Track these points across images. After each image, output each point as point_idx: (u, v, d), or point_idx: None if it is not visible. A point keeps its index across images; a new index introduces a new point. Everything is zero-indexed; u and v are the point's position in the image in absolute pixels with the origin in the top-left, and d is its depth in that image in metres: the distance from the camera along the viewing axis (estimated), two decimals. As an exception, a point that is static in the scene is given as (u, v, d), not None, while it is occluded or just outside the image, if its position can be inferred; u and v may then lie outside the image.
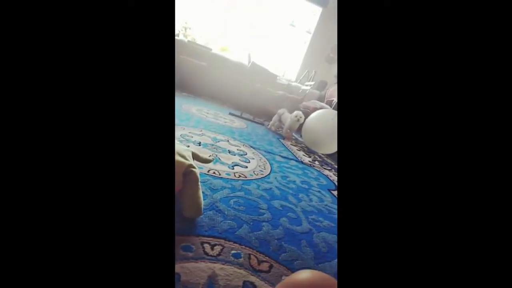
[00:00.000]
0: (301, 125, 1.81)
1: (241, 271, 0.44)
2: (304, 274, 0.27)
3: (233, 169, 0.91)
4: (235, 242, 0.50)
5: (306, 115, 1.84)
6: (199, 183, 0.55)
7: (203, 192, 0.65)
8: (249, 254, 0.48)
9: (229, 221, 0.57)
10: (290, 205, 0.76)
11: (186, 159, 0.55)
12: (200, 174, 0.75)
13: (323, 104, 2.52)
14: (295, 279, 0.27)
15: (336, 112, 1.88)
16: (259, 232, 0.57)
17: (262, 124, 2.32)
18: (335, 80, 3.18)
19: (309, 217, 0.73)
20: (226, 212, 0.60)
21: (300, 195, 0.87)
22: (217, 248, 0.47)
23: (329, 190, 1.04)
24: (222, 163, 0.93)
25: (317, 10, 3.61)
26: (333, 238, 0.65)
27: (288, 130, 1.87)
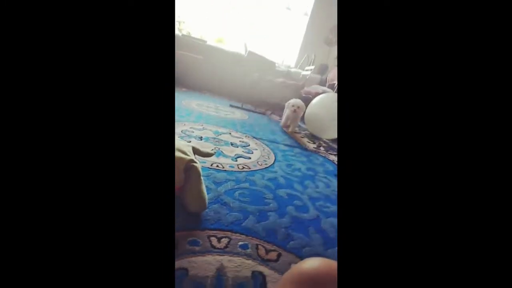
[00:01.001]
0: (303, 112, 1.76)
1: (249, 261, 0.44)
2: (310, 262, 0.26)
3: (236, 161, 0.90)
4: (242, 234, 0.50)
5: (308, 101, 1.80)
6: (202, 177, 0.55)
7: (207, 186, 0.65)
8: (257, 245, 0.48)
9: (235, 213, 0.57)
10: (296, 193, 0.76)
11: (187, 154, 0.55)
12: (203, 169, 0.76)
13: (325, 88, 2.47)
14: (301, 268, 0.26)
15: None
16: (266, 222, 0.57)
17: (263, 114, 2.30)
18: (335, 62, 3.09)
19: (316, 203, 0.72)
20: (231, 205, 0.60)
21: (306, 182, 0.86)
22: (224, 241, 0.47)
23: (335, 175, 1.03)
24: (225, 156, 0.93)
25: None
26: (341, 223, 0.65)
27: (289, 123, 1.72)
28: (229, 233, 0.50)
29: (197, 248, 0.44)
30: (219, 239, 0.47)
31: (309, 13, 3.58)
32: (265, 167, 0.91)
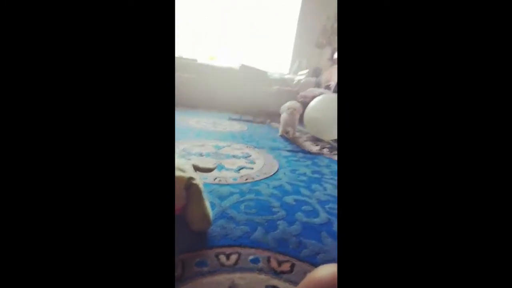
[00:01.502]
0: (302, 116, 1.75)
1: (262, 276, 0.42)
2: (324, 269, 0.25)
3: (239, 173, 0.89)
4: (251, 247, 0.48)
5: (306, 104, 1.80)
6: (204, 194, 0.53)
7: (211, 202, 0.64)
8: (268, 257, 0.46)
9: (242, 227, 0.55)
10: (304, 198, 0.74)
11: (187, 172, 0.54)
12: (205, 185, 0.74)
13: (322, 90, 2.47)
14: (315, 276, 0.25)
15: (335, 95, 1.84)
16: (275, 232, 0.54)
17: (263, 123, 2.31)
18: (329, 63, 3.12)
19: (326, 206, 0.70)
20: (238, 218, 0.58)
21: (313, 186, 0.84)
22: (233, 257, 0.45)
23: (342, 175, 1.00)
24: (227, 169, 0.92)
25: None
26: (354, 223, 0.62)
27: (288, 128, 1.69)
28: (238, 248, 0.48)
29: (205, 269, 0.42)
30: (228, 256, 0.45)
31: (296, 18, 3.66)
32: (270, 176, 0.89)
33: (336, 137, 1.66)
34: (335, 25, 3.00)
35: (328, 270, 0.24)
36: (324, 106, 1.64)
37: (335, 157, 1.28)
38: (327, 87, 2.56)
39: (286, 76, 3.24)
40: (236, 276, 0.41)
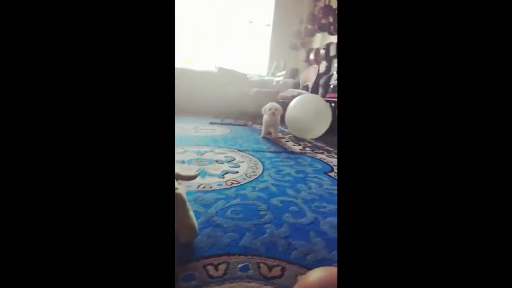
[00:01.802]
0: (283, 116, 1.77)
1: (252, 284, 0.40)
2: (313, 274, 0.24)
3: (223, 177, 0.87)
4: (240, 255, 0.47)
5: (286, 105, 1.82)
6: (187, 203, 0.51)
7: (196, 211, 0.61)
8: (258, 263, 0.45)
9: (229, 234, 0.53)
10: (290, 199, 0.74)
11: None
12: (189, 193, 0.72)
13: (300, 90, 2.52)
14: (306, 282, 0.24)
15: (314, 94, 1.88)
16: (264, 236, 0.54)
17: (245, 125, 2.30)
18: (305, 65, 3.21)
19: (312, 205, 0.70)
20: (225, 225, 0.57)
21: (299, 186, 0.85)
22: (222, 267, 0.44)
23: (325, 173, 1.03)
24: (211, 175, 0.89)
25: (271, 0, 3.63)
26: (340, 220, 0.63)
27: (271, 129, 1.69)
28: (226, 257, 0.46)
29: (193, 283, 0.40)
30: (216, 267, 0.44)
31: (271, 23, 3.71)
32: (255, 178, 0.89)
33: (317, 136, 1.70)
34: (309, 27, 3.09)
35: (317, 275, 0.24)
36: (303, 106, 1.67)
37: (317, 155, 1.31)
38: (305, 88, 2.62)
39: (265, 78, 3.26)
40: (226, 287, 0.39)
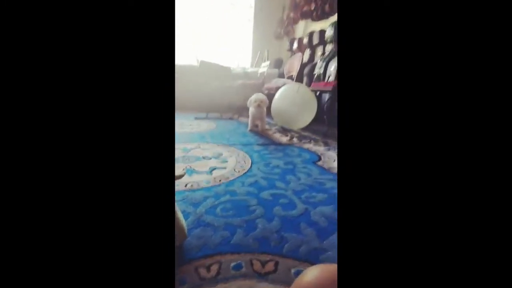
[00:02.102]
0: (269, 108, 1.75)
1: (246, 281, 0.40)
2: (309, 274, 0.24)
3: (211, 174, 0.85)
4: (232, 253, 0.46)
5: (272, 96, 1.80)
6: (175, 204, 0.49)
7: (184, 211, 0.60)
8: (250, 260, 0.44)
9: (221, 232, 0.52)
10: (280, 191, 0.73)
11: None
12: (177, 192, 0.69)
13: (285, 80, 2.50)
14: (302, 282, 0.23)
15: (299, 83, 1.87)
16: (255, 231, 0.53)
17: (231, 119, 2.26)
18: (289, 54, 3.17)
19: (302, 196, 0.71)
20: (215, 224, 0.55)
21: (288, 177, 0.85)
22: (214, 267, 0.43)
23: (313, 162, 1.03)
24: (198, 172, 0.87)
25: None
26: (329, 209, 0.64)
27: (257, 122, 1.67)
28: (218, 257, 0.45)
29: (185, 287, 0.39)
30: (208, 268, 0.42)
31: (252, 7, 3.61)
32: (244, 173, 0.87)
33: (303, 125, 1.71)
34: (291, 15, 3.04)
35: (313, 274, 0.23)
36: (288, 96, 1.66)
37: (305, 145, 1.31)
38: (290, 78, 2.60)
39: (249, 70, 3.21)
40: (220, 288, 0.38)
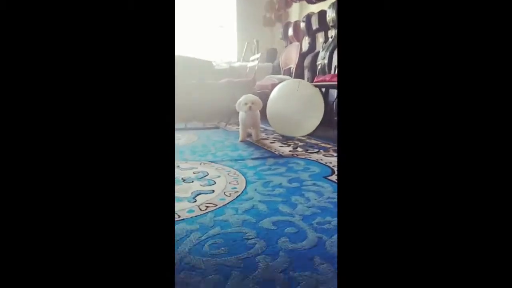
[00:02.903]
0: (263, 111, 1.77)
1: None
2: None
3: (195, 201, 0.85)
4: (227, 304, 0.45)
5: (266, 96, 1.83)
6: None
7: (162, 252, 0.59)
8: (252, 311, 0.44)
9: (211, 276, 0.51)
10: (284, 218, 0.73)
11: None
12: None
13: (282, 76, 2.56)
14: None
15: (300, 80, 1.91)
16: (256, 272, 0.52)
17: (216, 128, 2.28)
18: (284, 43, 3.26)
19: (313, 222, 0.71)
20: (203, 266, 0.54)
21: (294, 199, 0.85)
22: (205, 325, 0.41)
23: (325, 177, 1.04)
24: (179, 199, 0.86)
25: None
26: (350, 236, 0.64)
27: (250, 130, 1.68)
28: (209, 311, 0.44)
29: None
30: (197, 326, 0.41)
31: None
32: (237, 197, 0.87)
33: (309, 131, 1.73)
34: (284, -4, 3.15)
35: None
36: (287, 95, 1.69)
37: (312, 156, 1.32)
38: (287, 72, 2.66)
39: (236, 64, 3.27)
40: None
